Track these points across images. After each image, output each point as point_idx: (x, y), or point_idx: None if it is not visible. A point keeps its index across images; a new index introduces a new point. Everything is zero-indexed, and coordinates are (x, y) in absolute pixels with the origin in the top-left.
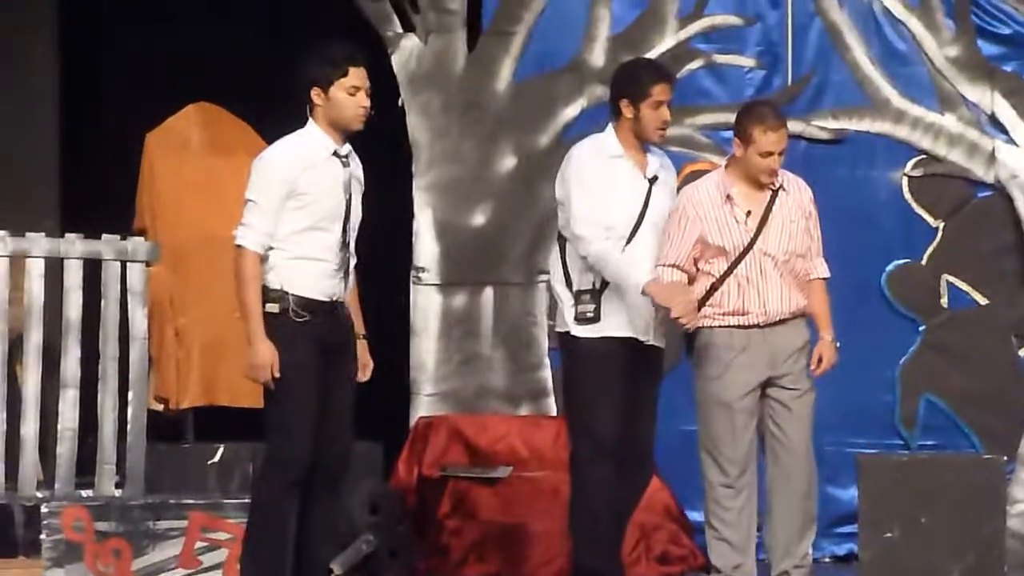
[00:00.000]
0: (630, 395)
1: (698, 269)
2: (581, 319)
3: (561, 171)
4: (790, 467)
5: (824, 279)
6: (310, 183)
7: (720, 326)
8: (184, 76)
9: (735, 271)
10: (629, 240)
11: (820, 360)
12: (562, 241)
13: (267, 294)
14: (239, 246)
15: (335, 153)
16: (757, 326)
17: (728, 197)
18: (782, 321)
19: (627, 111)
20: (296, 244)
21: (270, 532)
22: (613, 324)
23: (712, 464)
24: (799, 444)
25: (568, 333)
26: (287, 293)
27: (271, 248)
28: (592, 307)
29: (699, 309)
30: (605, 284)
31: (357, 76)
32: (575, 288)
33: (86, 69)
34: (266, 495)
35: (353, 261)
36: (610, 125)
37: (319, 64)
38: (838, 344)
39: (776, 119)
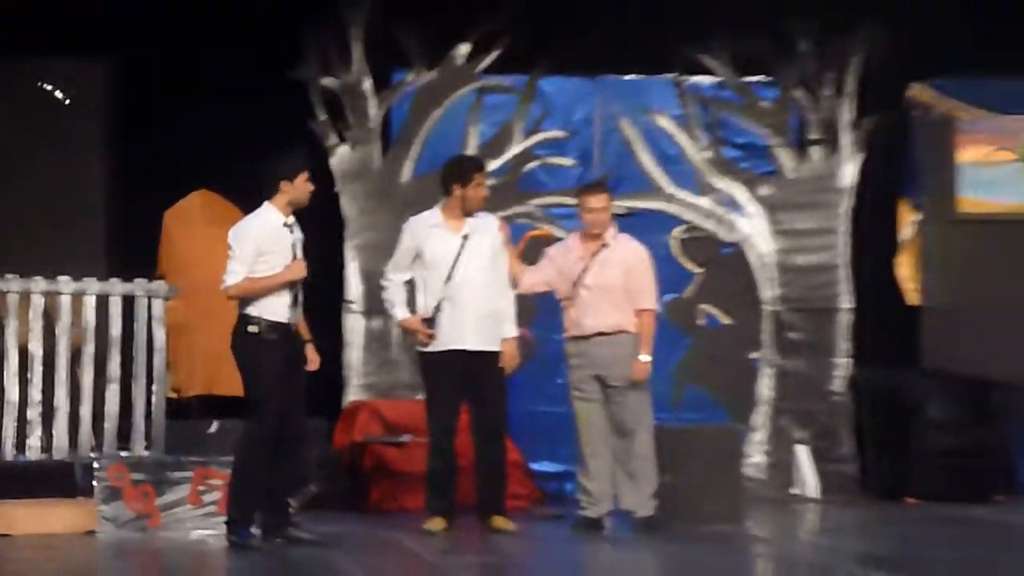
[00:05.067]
0: (468, 391)
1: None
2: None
3: None
4: (620, 439)
5: (643, 309)
6: (271, 244)
7: (568, 336)
8: (193, 158)
9: (573, 295)
10: (448, 278)
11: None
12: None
13: (248, 320)
14: (226, 288)
15: (284, 224)
16: (584, 337)
17: (573, 246)
18: (603, 334)
19: (456, 191)
20: None
21: (248, 481)
22: (441, 340)
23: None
24: (624, 423)
25: (417, 350)
26: (262, 319)
27: None
28: (431, 330)
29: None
30: (437, 310)
31: (309, 170)
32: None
33: (125, 147)
34: (245, 455)
35: (302, 296)
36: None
37: (289, 163)
38: (645, 359)
39: (589, 187)
